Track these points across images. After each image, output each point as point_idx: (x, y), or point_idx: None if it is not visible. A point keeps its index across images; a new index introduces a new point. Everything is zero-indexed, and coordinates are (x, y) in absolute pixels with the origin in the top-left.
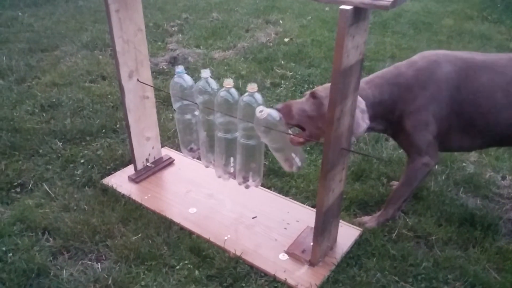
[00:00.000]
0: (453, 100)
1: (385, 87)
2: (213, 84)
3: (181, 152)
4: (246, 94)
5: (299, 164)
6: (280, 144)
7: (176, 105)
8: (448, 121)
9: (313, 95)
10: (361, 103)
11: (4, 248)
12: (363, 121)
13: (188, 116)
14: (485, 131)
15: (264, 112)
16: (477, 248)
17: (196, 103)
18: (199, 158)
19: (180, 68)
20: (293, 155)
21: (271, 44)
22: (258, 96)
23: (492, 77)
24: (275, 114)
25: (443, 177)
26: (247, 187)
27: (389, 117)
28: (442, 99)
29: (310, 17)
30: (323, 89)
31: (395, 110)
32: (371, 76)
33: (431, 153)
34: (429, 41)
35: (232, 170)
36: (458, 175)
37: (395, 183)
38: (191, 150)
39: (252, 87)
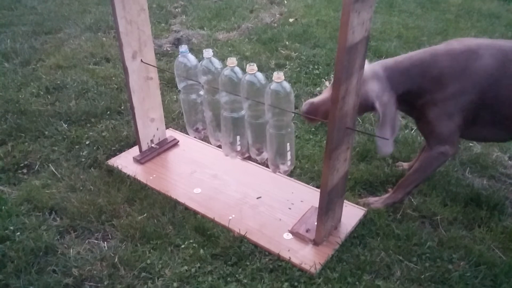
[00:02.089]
0: (487, 93)
1: (415, 77)
2: (217, 63)
3: (186, 133)
4: (248, 74)
5: (289, 163)
6: (283, 123)
7: (180, 85)
8: (476, 113)
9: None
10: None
11: (12, 227)
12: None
13: (193, 96)
14: None
15: (282, 77)
16: (483, 227)
17: (200, 83)
18: (204, 139)
19: (184, 48)
20: (288, 146)
21: (275, 25)
22: (260, 76)
23: None
24: (287, 84)
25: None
26: (262, 159)
27: (412, 101)
28: (474, 92)
29: None
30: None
31: (421, 97)
32: (400, 58)
33: (451, 143)
34: (437, 20)
35: (239, 148)
36: (464, 155)
37: (400, 164)
38: (196, 130)
39: (251, 68)
